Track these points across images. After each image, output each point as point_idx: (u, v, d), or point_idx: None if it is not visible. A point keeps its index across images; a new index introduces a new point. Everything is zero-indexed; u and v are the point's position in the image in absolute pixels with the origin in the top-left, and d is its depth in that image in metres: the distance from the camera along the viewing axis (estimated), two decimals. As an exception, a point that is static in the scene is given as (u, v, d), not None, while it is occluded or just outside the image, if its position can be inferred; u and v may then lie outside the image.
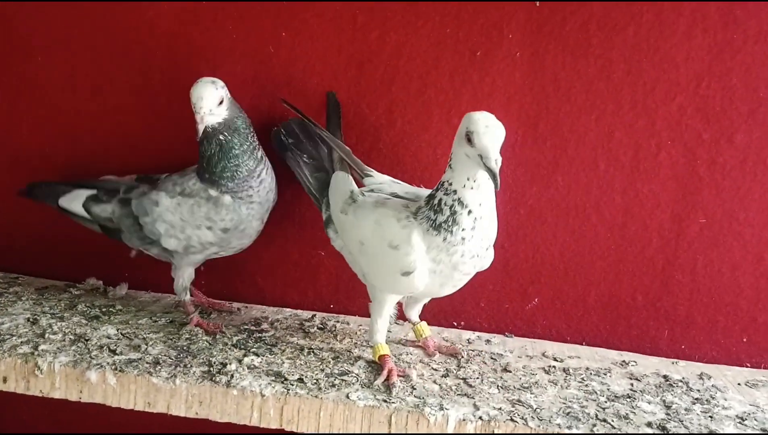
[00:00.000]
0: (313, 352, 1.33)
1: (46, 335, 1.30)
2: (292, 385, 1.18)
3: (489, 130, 1.10)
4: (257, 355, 1.29)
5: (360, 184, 1.37)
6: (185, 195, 1.38)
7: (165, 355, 1.26)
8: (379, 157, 1.53)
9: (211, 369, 1.22)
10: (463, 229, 1.15)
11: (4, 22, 1.58)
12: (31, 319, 1.37)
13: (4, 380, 1.21)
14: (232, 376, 1.19)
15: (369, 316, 1.53)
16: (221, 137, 1.34)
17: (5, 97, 1.62)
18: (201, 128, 1.31)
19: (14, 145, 1.63)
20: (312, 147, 1.44)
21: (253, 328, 1.44)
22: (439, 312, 1.58)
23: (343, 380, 1.21)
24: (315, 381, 1.20)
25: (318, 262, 1.62)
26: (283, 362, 1.27)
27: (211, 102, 1.31)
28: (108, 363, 1.21)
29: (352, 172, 1.38)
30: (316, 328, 1.47)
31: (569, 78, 1.45)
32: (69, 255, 1.65)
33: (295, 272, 1.63)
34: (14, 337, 1.28)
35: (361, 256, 1.27)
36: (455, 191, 1.15)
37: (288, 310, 1.59)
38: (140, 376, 1.18)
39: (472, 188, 1.14)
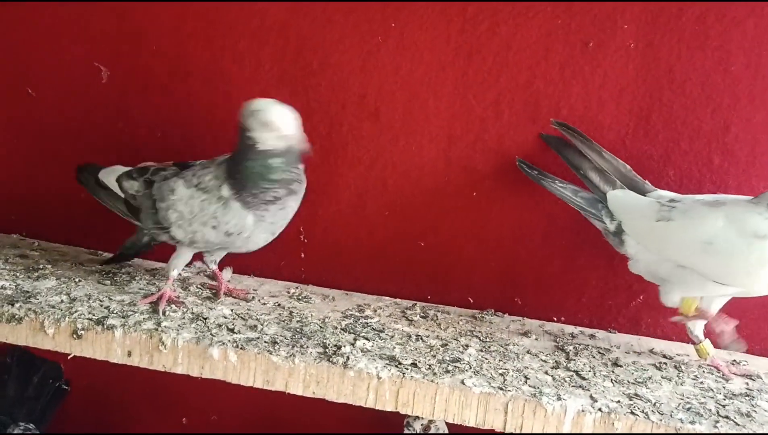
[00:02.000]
0: (421, 338, 1.34)
1: (166, 313, 1.34)
2: (407, 369, 1.20)
3: None
4: (367, 339, 1.30)
5: None
6: (200, 189, 1.36)
7: (281, 336, 1.28)
8: (484, 148, 1.53)
9: (327, 350, 1.24)
10: None
11: (118, 12, 1.64)
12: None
13: (129, 354, 1.26)
14: (348, 357, 1.21)
15: (467, 307, 1.55)
16: (270, 161, 1.30)
17: (120, 82, 1.67)
18: (285, 145, 1.30)
19: (127, 126, 1.69)
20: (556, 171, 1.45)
21: (357, 313, 1.46)
22: (538, 306, 1.57)
23: (456, 367, 1.22)
24: (428, 366, 1.21)
25: (417, 252, 1.63)
26: (394, 347, 1.28)
27: (297, 121, 1.32)
28: (229, 341, 1.24)
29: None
30: (418, 316, 1.48)
31: (685, 70, 1.43)
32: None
33: (394, 261, 1.64)
34: (137, 314, 1.32)
35: (707, 256, 1.24)
36: None
37: (387, 298, 1.60)
38: (260, 354, 1.21)
39: None
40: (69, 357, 1.30)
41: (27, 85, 1.74)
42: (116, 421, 1.88)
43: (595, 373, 1.25)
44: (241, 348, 1.23)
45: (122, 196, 1.47)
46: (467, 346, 1.32)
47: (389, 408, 1.18)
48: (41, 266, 1.55)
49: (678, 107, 1.44)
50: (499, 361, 1.27)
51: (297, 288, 1.58)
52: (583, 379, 1.23)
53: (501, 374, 1.21)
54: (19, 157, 1.75)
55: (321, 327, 1.35)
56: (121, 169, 1.51)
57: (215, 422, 1.82)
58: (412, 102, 1.55)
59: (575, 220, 1.51)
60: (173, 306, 1.37)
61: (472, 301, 1.60)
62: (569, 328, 1.51)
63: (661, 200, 1.32)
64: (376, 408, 1.19)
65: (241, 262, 1.67)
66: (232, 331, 1.30)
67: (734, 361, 1.39)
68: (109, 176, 1.51)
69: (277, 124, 1.28)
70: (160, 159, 1.66)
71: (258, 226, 1.34)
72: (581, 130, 1.45)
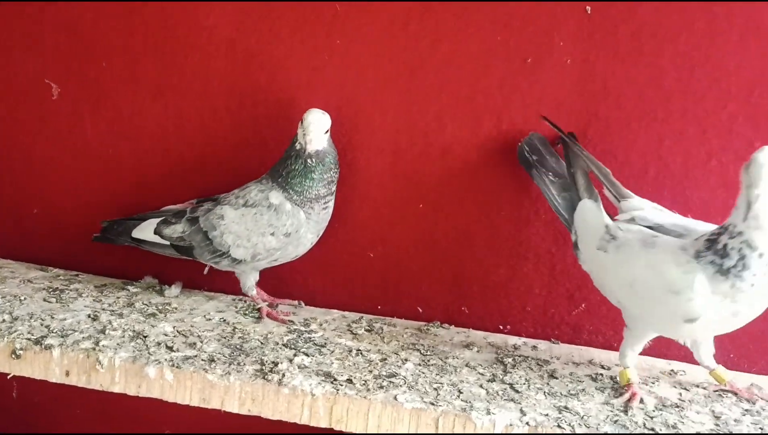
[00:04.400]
0: (361, 353, 1.36)
1: (107, 331, 1.35)
2: (342, 385, 1.21)
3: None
4: (307, 355, 1.32)
5: (613, 209, 1.36)
6: (248, 205, 1.47)
7: (219, 353, 1.30)
8: (428, 160, 1.55)
9: (263, 367, 1.25)
10: (754, 275, 1.09)
11: (69, 28, 1.64)
12: (91, 316, 1.43)
13: (67, 374, 1.27)
14: (283, 374, 1.23)
15: (418, 319, 1.57)
16: (309, 161, 1.42)
17: (71, 99, 1.68)
18: (310, 148, 1.40)
19: (78, 147, 1.70)
20: (556, 164, 1.41)
21: (302, 328, 1.48)
22: (484, 315, 1.59)
23: (391, 382, 1.24)
24: (364, 382, 1.23)
25: (367, 263, 1.65)
26: (333, 363, 1.30)
27: (322, 126, 1.42)
28: (165, 359, 1.25)
29: (604, 194, 1.37)
30: (363, 329, 1.50)
31: (620, 85, 1.45)
32: (126, 254, 1.71)
33: (345, 273, 1.66)
34: (76, 332, 1.33)
35: (630, 296, 1.24)
36: (740, 233, 1.09)
37: (336, 311, 1.62)
38: (196, 372, 1.22)
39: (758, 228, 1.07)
40: (8, 377, 1.30)
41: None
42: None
43: (529, 386, 1.27)
44: (177, 367, 1.24)
45: (167, 242, 1.53)
46: (406, 360, 1.34)
47: (323, 425, 1.20)
48: (-13, 285, 1.55)
49: (614, 121, 1.46)
50: (436, 374, 1.29)
51: (244, 302, 1.58)
52: (517, 392, 1.25)
53: (435, 389, 1.23)
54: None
55: (262, 343, 1.37)
56: (153, 221, 1.55)
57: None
58: (359, 117, 1.56)
59: (518, 229, 1.54)
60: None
61: (421, 310, 1.62)
62: (513, 339, 1.53)
63: (610, 225, 1.27)
64: (311, 424, 1.20)
65: (191, 278, 1.68)
66: (170, 349, 1.31)
67: (753, 383, 1.33)
68: (144, 232, 1.55)
69: (305, 124, 1.40)
70: (113, 175, 1.68)
71: (307, 225, 1.44)
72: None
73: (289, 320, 1.49)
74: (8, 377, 1.31)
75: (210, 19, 1.59)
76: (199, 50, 1.61)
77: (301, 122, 1.42)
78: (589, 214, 1.30)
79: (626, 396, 1.24)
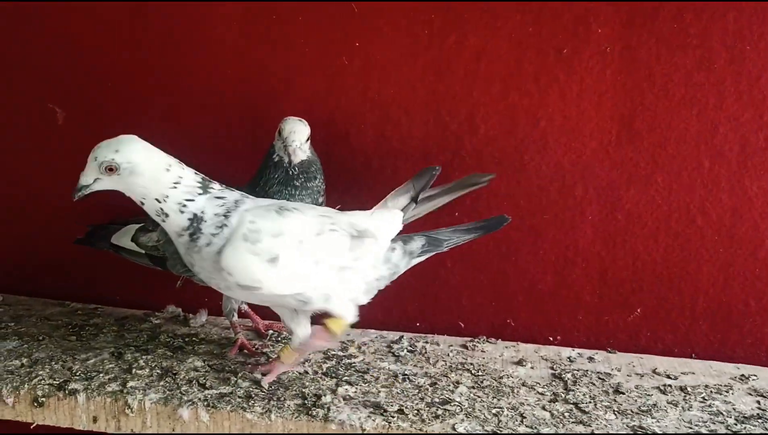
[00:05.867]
0: (408, 378, 1.25)
1: (133, 370, 1.25)
2: (393, 417, 1.11)
3: None
4: (350, 383, 1.22)
5: None
6: None
7: (256, 388, 1.19)
8: (462, 165, 1.45)
9: (306, 402, 1.15)
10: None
11: (72, 49, 1.56)
12: (115, 353, 1.33)
13: (94, 420, 1.17)
14: (328, 408, 1.12)
15: (460, 335, 1.47)
16: (289, 172, 1.30)
17: (77, 123, 1.59)
18: (295, 159, 1.29)
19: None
20: None
21: (340, 353, 1.37)
22: (532, 326, 1.49)
23: (446, 410, 1.13)
24: (416, 412, 1.12)
25: (403, 278, 1.54)
26: (379, 391, 1.20)
27: (302, 137, 1.29)
28: (199, 399, 1.15)
29: None
30: (405, 350, 1.39)
31: (666, 71, 1.35)
32: (145, 283, 1.61)
33: (379, 291, 1.55)
34: (101, 374, 1.24)
35: None
36: None
37: (373, 331, 1.52)
38: (234, 411, 1.12)
39: None
40: (32, 426, 1.21)
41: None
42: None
43: (596, 404, 1.17)
44: (212, 406, 1.14)
45: (143, 251, 1.40)
46: (458, 383, 1.24)
47: (377, 461, 1.09)
48: (3, 325, 1.46)
49: (662, 110, 1.36)
50: (493, 398, 1.19)
51: (273, 331, 1.48)
52: (583, 412, 1.15)
53: (495, 414, 1.13)
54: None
55: (300, 373, 1.26)
56: (132, 227, 1.42)
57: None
58: (384, 122, 1.47)
59: (563, 233, 1.43)
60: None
61: (463, 326, 1.52)
62: (566, 351, 1.42)
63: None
64: (362, 462, 1.10)
65: (216, 303, 1.59)
66: (203, 386, 1.21)
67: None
68: (123, 238, 1.42)
69: (284, 134, 1.29)
70: (126, 202, 1.58)
71: None
72: (562, 139, 1.40)
73: (261, 353, 1.35)
74: (32, 427, 1.21)
75: (217, 30, 1.50)
76: (209, 64, 1.52)
77: (279, 133, 1.30)
78: None
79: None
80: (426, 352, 1.39)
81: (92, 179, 1.12)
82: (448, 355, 1.38)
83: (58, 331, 1.45)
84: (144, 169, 1.10)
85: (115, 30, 1.53)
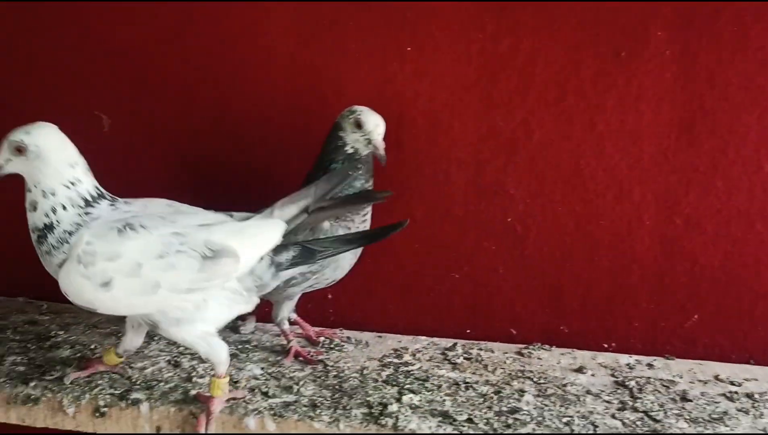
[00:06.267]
0: (470, 386, 1.24)
1: (193, 379, 1.24)
2: (463, 426, 1.10)
3: None
4: (414, 392, 1.20)
5: None
6: None
7: (320, 396, 1.18)
8: (516, 171, 1.43)
9: (372, 410, 1.14)
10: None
11: (119, 56, 1.55)
12: (171, 362, 1.31)
13: (158, 429, 1.15)
14: (396, 417, 1.11)
15: (512, 342, 1.46)
16: (359, 167, 1.30)
17: (124, 130, 1.58)
18: (382, 152, 1.29)
19: (135, 177, 1.59)
20: None
21: (395, 360, 1.36)
22: (587, 333, 1.47)
23: (516, 419, 1.11)
24: (486, 421, 1.11)
25: (452, 284, 1.53)
26: (444, 400, 1.18)
27: (380, 133, 1.29)
28: (265, 408, 1.14)
29: None
30: (462, 358, 1.38)
31: (726, 75, 1.34)
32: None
33: (428, 297, 1.54)
34: (161, 383, 1.22)
35: None
36: None
37: (424, 338, 1.50)
38: (301, 420, 1.11)
39: None
40: (93, 438, 1.20)
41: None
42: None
43: (666, 413, 1.15)
44: (279, 415, 1.12)
45: None
46: (522, 391, 1.22)
47: (448, 471, 1.08)
48: (53, 334, 1.45)
49: (722, 114, 1.35)
50: (560, 406, 1.17)
51: (325, 338, 1.47)
52: (655, 420, 1.13)
53: (566, 423, 1.11)
54: (19, 215, 1.64)
55: (361, 381, 1.25)
56: None
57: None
58: (436, 128, 1.45)
59: (620, 239, 1.42)
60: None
61: (515, 332, 1.51)
62: (624, 358, 1.40)
63: None
64: (433, 472, 1.08)
65: (266, 310, 1.57)
66: (266, 395, 1.19)
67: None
68: None
69: (369, 127, 1.27)
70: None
71: None
72: (620, 144, 1.39)
73: (318, 360, 1.33)
74: (91, 438, 1.20)
75: (269, 36, 1.49)
76: (260, 70, 1.51)
77: (359, 124, 1.28)
78: None
79: None
80: (482, 360, 1.37)
81: (4, 160, 1.10)
82: (505, 362, 1.36)
83: (109, 338, 1.43)
84: (51, 157, 1.09)
85: (164, 36, 1.52)
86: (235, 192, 1.57)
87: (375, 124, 1.29)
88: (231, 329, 1.51)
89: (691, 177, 1.37)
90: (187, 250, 1.10)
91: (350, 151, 1.30)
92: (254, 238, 1.15)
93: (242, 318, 1.55)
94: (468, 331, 1.53)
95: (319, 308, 1.58)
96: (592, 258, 1.45)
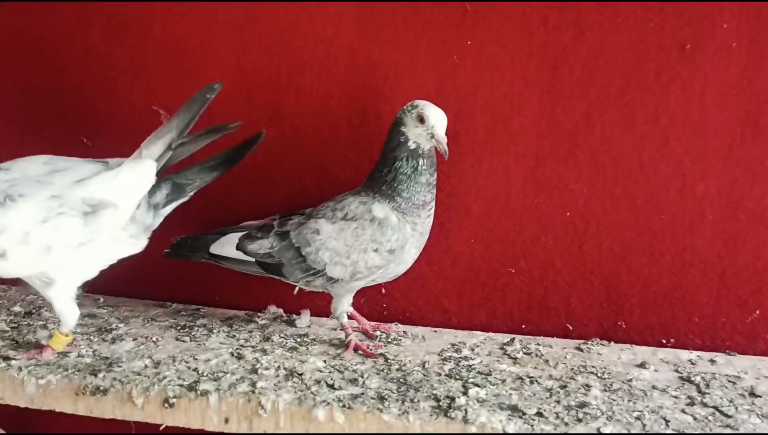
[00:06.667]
0: (535, 380, 1.23)
1: (259, 371, 1.24)
2: (534, 419, 1.09)
3: None
4: (478, 386, 1.20)
5: None
6: (348, 219, 1.33)
7: (385, 389, 1.18)
8: (576, 165, 1.42)
9: (440, 403, 1.14)
10: None
11: (176, 50, 1.56)
12: (235, 354, 1.32)
13: (226, 421, 1.16)
14: (466, 410, 1.10)
15: (567, 337, 1.45)
16: (420, 162, 1.30)
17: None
18: (444, 146, 1.29)
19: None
20: None
21: (455, 354, 1.36)
22: (645, 329, 1.46)
23: (586, 413, 1.11)
24: (556, 414, 1.10)
25: (508, 280, 1.53)
26: (510, 394, 1.18)
27: (442, 127, 1.30)
28: (333, 399, 1.14)
29: None
30: (521, 352, 1.37)
31: (795, 67, 1.31)
32: (242, 283, 1.61)
33: (483, 291, 1.54)
34: (227, 374, 1.23)
35: None
36: None
37: (480, 333, 1.50)
38: (370, 412, 1.11)
39: None
40: (161, 428, 1.21)
41: (82, 134, 1.66)
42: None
43: (737, 408, 1.13)
44: (348, 407, 1.12)
45: (252, 259, 1.39)
46: (588, 386, 1.21)
47: (521, 465, 1.07)
48: (114, 326, 1.47)
49: (790, 107, 1.32)
50: (628, 401, 1.16)
51: (381, 332, 1.47)
52: (727, 416, 1.11)
53: (637, 418, 1.10)
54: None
55: (425, 375, 1.25)
56: (233, 236, 1.42)
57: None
58: (495, 122, 1.45)
59: (681, 234, 1.40)
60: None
61: (571, 328, 1.50)
62: (684, 354, 1.39)
63: None
64: (506, 466, 1.08)
65: (318, 303, 1.58)
66: (332, 387, 1.20)
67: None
68: (225, 247, 1.41)
69: (431, 121, 1.27)
70: (224, 205, 1.58)
71: (413, 238, 1.31)
72: (684, 137, 1.37)
73: (379, 354, 1.33)
74: (161, 429, 1.21)
75: (328, 30, 1.49)
76: (318, 64, 1.51)
77: (421, 119, 1.28)
78: None
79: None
80: (542, 355, 1.37)
81: None
82: (565, 357, 1.35)
83: (169, 331, 1.45)
84: None
85: (222, 31, 1.53)
86: (291, 188, 1.57)
87: (437, 119, 1.28)
88: (287, 323, 1.52)
89: (756, 171, 1.35)
90: (67, 210, 1.18)
91: (413, 146, 1.30)
92: (130, 185, 1.22)
93: (296, 312, 1.56)
94: (523, 326, 1.52)
95: (372, 303, 1.58)
96: (652, 253, 1.43)
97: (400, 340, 1.43)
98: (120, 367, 1.26)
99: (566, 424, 1.08)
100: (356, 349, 1.36)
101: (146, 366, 1.27)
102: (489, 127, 1.45)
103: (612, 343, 1.45)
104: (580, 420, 1.09)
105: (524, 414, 1.10)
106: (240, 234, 1.41)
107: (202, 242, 1.44)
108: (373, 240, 1.30)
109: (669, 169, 1.38)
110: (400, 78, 1.48)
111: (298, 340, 1.41)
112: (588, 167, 1.42)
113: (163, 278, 1.66)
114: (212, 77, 1.53)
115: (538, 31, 1.40)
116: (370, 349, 1.35)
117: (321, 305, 1.59)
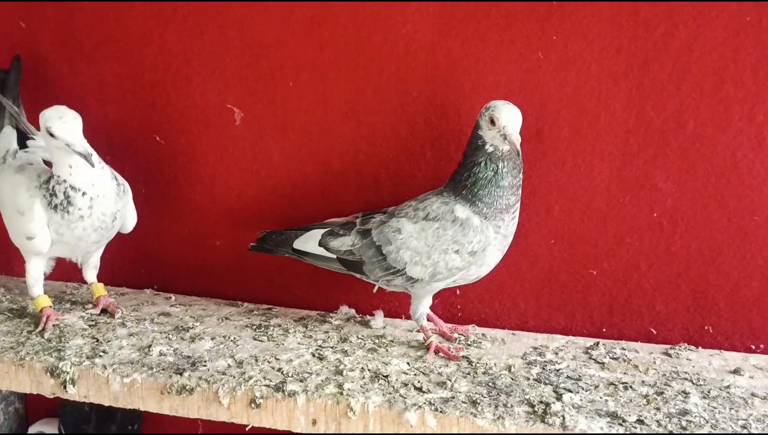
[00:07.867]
0: (629, 386, 1.19)
1: (344, 372, 1.22)
2: (635, 427, 1.05)
3: None
4: (571, 391, 1.16)
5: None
6: (429, 219, 1.30)
7: (476, 393, 1.15)
8: (665, 163, 1.37)
9: (535, 409, 1.10)
10: (79, 209, 1.34)
11: (252, 49, 1.55)
12: (316, 355, 1.30)
13: (314, 422, 1.15)
14: (563, 417, 1.07)
15: (650, 341, 1.40)
16: (500, 164, 1.27)
17: (255, 123, 1.58)
18: (518, 147, 1.25)
19: (266, 171, 1.60)
20: None
21: (539, 358, 1.32)
22: (733, 334, 1.40)
23: (689, 421, 1.06)
24: (657, 422, 1.06)
25: (589, 282, 1.49)
26: (606, 400, 1.14)
27: (520, 121, 1.25)
28: (423, 402, 1.11)
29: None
30: (608, 357, 1.33)
31: None
32: (312, 283, 1.60)
33: (563, 294, 1.50)
34: (313, 375, 1.21)
35: (2, 212, 1.44)
36: (64, 180, 1.32)
37: (560, 336, 1.46)
38: (463, 417, 1.08)
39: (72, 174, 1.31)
40: (247, 429, 1.19)
41: (154, 133, 1.66)
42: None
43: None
44: (440, 411, 1.10)
45: (333, 256, 1.38)
46: (685, 392, 1.17)
47: (623, 474, 1.03)
48: (190, 325, 1.46)
49: None
50: (730, 409, 1.11)
51: (459, 334, 1.44)
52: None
53: (743, 427, 1.05)
54: (149, 208, 1.67)
55: (513, 379, 1.21)
56: (316, 232, 1.41)
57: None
58: (580, 119, 1.40)
59: (776, 237, 1.34)
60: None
61: (655, 332, 1.45)
62: (779, 359, 1.33)
63: (11, 150, 1.55)
64: (606, 475, 1.04)
65: (391, 304, 1.56)
66: (420, 390, 1.17)
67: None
68: (308, 243, 1.41)
69: (502, 122, 1.24)
70: (302, 197, 1.57)
71: (495, 241, 1.28)
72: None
73: (462, 356, 1.30)
74: (247, 429, 1.19)
75: (408, 25, 1.46)
76: (396, 60, 1.48)
77: (492, 120, 1.26)
78: (4, 138, 1.53)
79: (43, 321, 1.43)
80: (629, 359, 1.32)
81: None
82: (654, 362, 1.31)
83: (245, 331, 1.44)
84: None
85: (299, 29, 1.52)
86: (366, 186, 1.55)
87: (507, 119, 1.25)
88: (361, 324, 1.50)
89: None
90: None
91: (490, 149, 1.28)
92: None
93: (367, 313, 1.54)
94: (604, 329, 1.48)
95: (445, 304, 1.56)
96: (743, 255, 1.38)
97: (480, 342, 1.40)
98: (204, 366, 1.25)
99: (670, 432, 1.03)
100: (437, 351, 1.33)
101: (229, 365, 1.26)
102: (574, 125, 1.41)
103: (699, 348, 1.40)
104: (684, 428, 1.04)
105: (624, 421, 1.06)
106: (323, 230, 1.39)
107: (286, 237, 1.44)
108: (455, 241, 1.28)
109: (764, 169, 1.33)
110: (482, 75, 1.44)
111: (376, 341, 1.39)
112: (678, 166, 1.38)
113: (233, 277, 1.65)
114: (288, 75, 1.53)
115: (628, 25, 1.35)
116: (452, 352, 1.32)
117: (393, 306, 1.57)
